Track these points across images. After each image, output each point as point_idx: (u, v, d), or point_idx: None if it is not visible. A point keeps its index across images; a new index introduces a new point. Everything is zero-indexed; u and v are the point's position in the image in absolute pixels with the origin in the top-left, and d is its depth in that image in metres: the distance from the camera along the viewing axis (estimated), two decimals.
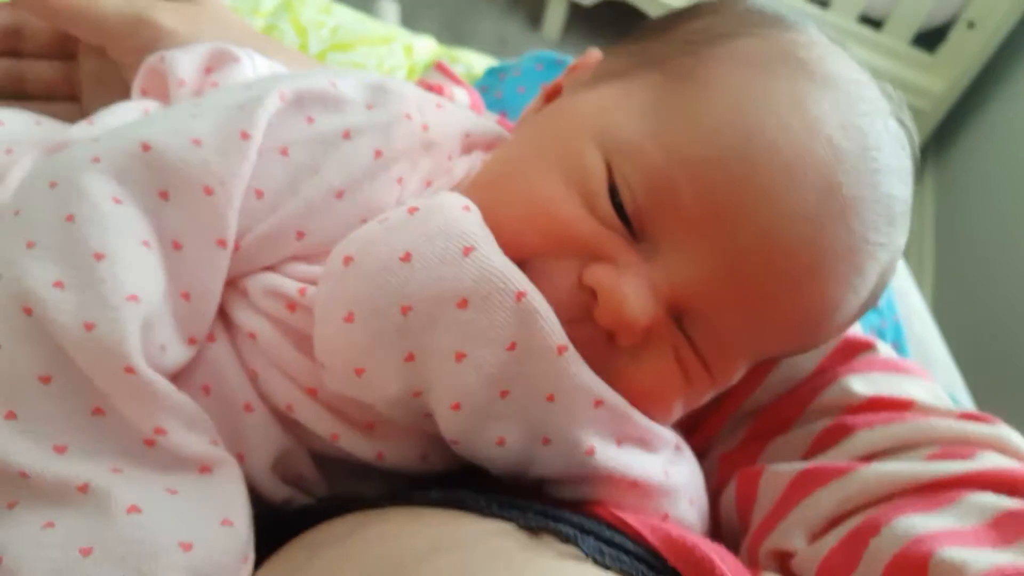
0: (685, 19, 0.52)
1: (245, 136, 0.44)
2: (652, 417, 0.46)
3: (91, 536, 0.36)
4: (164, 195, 0.43)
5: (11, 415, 0.37)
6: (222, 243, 0.43)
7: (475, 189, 0.49)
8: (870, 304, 0.50)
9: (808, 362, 0.58)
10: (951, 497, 0.44)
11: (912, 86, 2.21)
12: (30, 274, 0.39)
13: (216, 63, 0.55)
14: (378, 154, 0.48)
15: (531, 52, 0.99)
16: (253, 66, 0.55)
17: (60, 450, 0.38)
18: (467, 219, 0.42)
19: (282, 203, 0.45)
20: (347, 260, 0.42)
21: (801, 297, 0.45)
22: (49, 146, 0.48)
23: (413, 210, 0.42)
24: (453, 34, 2.43)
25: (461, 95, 0.62)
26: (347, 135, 0.47)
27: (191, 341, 0.44)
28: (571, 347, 0.41)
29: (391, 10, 2.18)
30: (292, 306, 0.45)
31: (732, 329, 0.46)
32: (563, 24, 2.53)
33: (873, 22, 2.22)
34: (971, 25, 2.09)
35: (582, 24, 2.56)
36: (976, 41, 2.10)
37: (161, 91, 0.55)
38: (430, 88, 0.59)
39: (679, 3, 2.25)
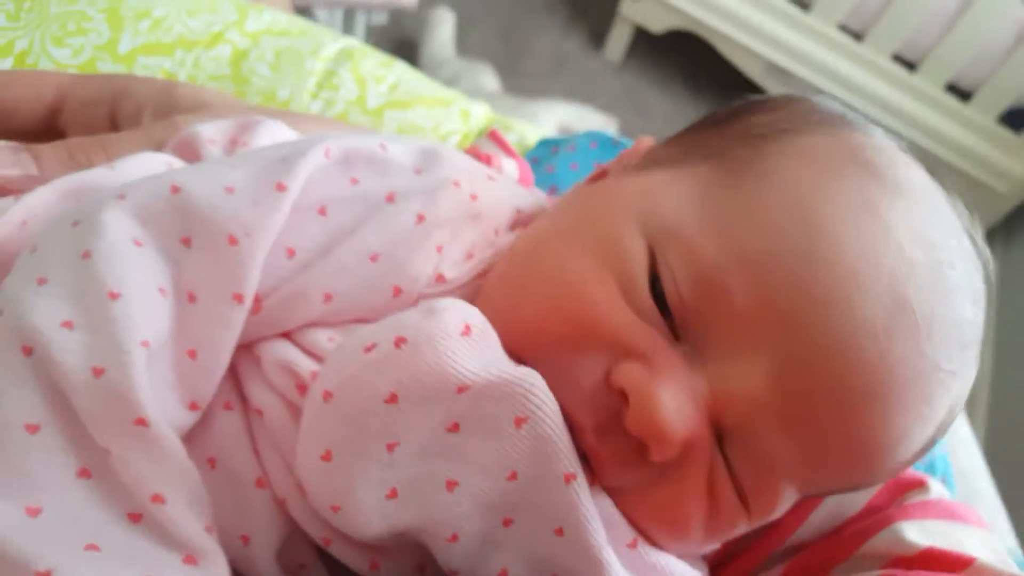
0: (745, 113, 0.49)
1: (281, 188, 0.42)
2: (660, 543, 0.42)
3: None
4: (187, 242, 0.40)
5: None
6: (239, 298, 0.40)
7: (502, 263, 0.47)
8: (936, 439, 0.45)
9: (856, 500, 0.54)
10: None
11: (992, 165, 2.10)
12: (36, 311, 0.36)
13: (242, 132, 0.51)
14: (420, 219, 0.45)
15: (588, 131, 0.93)
16: (281, 131, 0.52)
17: (33, 512, 0.34)
18: (461, 352, 0.38)
19: (313, 263, 0.43)
20: (326, 396, 0.38)
21: (861, 424, 0.40)
22: (66, 188, 0.44)
23: (400, 342, 0.38)
24: (508, 48, 2.30)
25: (510, 166, 0.60)
26: (391, 198, 0.45)
27: (192, 406, 0.40)
28: (580, 475, 0.39)
29: (447, 19, 2.06)
30: (302, 387, 0.41)
31: (778, 455, 0.41)
32: (626, 48, 2.40)
33: (962, 93, 2.09)
34: None
35: (645, 49, 2.42)
36: None
37: (188, 158, 0.50)
38: (479, 157, 0.57)
39: (750, 41, 2.14)
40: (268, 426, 0.42)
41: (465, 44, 2.19)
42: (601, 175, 0.53)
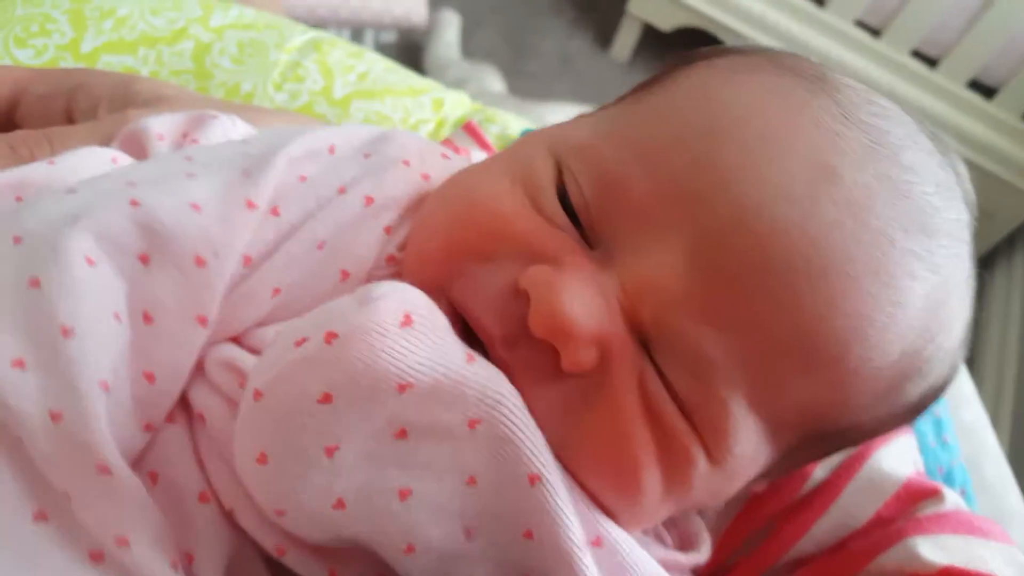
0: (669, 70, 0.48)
1: (251, 206, 0.40)
2: (621, 498, 0.38)
3: None
4: (145, 259, 0.38)
5: None
6: (202, 320, 0.39)
7: (428, 200, 0.46)
8: (926, 358, 0.40)
9: (863, 509, 0.50)
10: None
11: (1016, 163, 2.03)
12: None
13: (193, 127, 0.50)
14: (368, 200, 0.44)
15: None
16: (234, 127, 0.51)
17: None
18: (399, 348, 0.35)
19: (262, 263, 0.41)
20: (257, 394, 0.36)
21: (796, 302, 0.35)
22: (2, 184, 0.42)
23: (331, 337, 0.35)
24: (514, 48, 2.28)
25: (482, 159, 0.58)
26: (342, 190, 0.44)
27: (147, 427, 0.38)
28: (545, 474, 0.36)
29: (452, 22, 2.04)
30: (244, 383, 0.39)
31: (708, 351, 0.37)
32: (634, 46, 2.36)
33: (985, 89, 2.03)
34: None
35: (653, 48, 2.38)
36: None
37: (135, 153, 0.49)
38: (454, 151, 0.56)
39: (764, 38, 2.10)
40: (211, 431, 0.40)
41: (470, 46, 2.17)
42: None
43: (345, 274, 0.43)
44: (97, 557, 0.35)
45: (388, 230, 0.45)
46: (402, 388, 0.35)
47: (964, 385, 1.02)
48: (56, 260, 0.36)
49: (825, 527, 0.50)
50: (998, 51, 1.92)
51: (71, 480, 0.34)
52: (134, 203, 0.38)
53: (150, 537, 0.36)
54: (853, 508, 0.50)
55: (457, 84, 1.98)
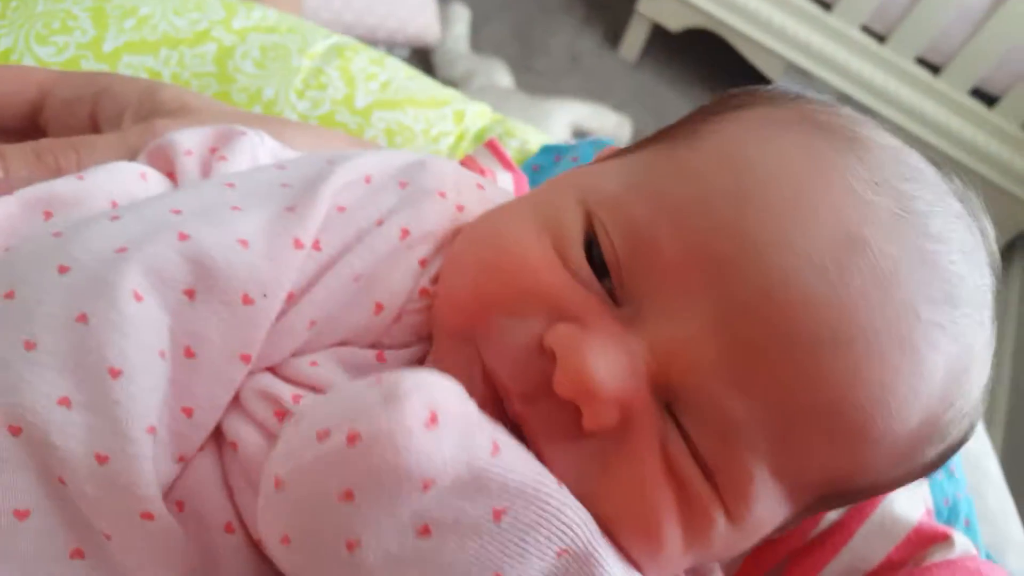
0: (708, 106, 0.47)
1: (298, 245, 0.40)
2: (644, 553, 0.38)
3: None
4: (191, 294, 0.37)
5: None
6: (246, 359, 0.38)
7: (458, 239, 0.45)
8: (946, 422, 0.41)
9: (874, 552, 0.50)
10: None
11: (1017, 172, 2.04)
12: (28, 384, 0.33)
13: (221, 143, 0.49)
14: (404, 233, 0.43)
15: (594, 138, 0.93)
16: (262, 143, 0.51)
17: None
18: (425, 448, 0.33)
19: (301, 297, 0.41)
20: (277, 483, 0.34)
21: (821, 377, 0.35)
22: (31, 198, 0.41)
23: (354, 438, 0.33)
24: (523, 45, 2.28)
25: (506, 180, 0.59)
26: (380, 222, 0.43)
27: (180, 459, 0.38)
28: (589, 550, 0.35)
29: (462, 16, 2.04)
30: (280, 413, 0.39)
31: (734, 417, 0.36)
32: (643, 46, 2.36)
33: (987, 97, 2.04)
34: None
35: (662, 48, 2.38)
36: None
37: (163, 167, 0.48)
38: (475, 170, 0.55)
39: (770, 41, 2.10)
40: (243, 460, 0.39)
41: (479, 41, 2.17)
42: None
43: (379, 307, 0.43)
44: None
45: (423, 263, 0.44)
46: (426, 486, 0.33)
47: None
48: (105, 295, 0.35)
49: (836, 570, 0.50)
50: (1000, 60, 1.93)
51: (114, 522, 0.34)
52: (183, 237, 0.38)
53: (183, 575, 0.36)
54: (864, 551, 0.50)
55: (465, 77, 1.98)
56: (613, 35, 2.40)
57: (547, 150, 0.87)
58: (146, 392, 0.35)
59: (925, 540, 0.50)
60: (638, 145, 0.47)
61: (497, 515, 0.34)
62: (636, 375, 0.37)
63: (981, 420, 1.02)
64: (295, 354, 0.42)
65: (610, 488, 0.38)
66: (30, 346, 0.34)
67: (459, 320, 0.41)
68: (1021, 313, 2.06)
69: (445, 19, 2.04)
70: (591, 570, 0.36)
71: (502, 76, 2.01)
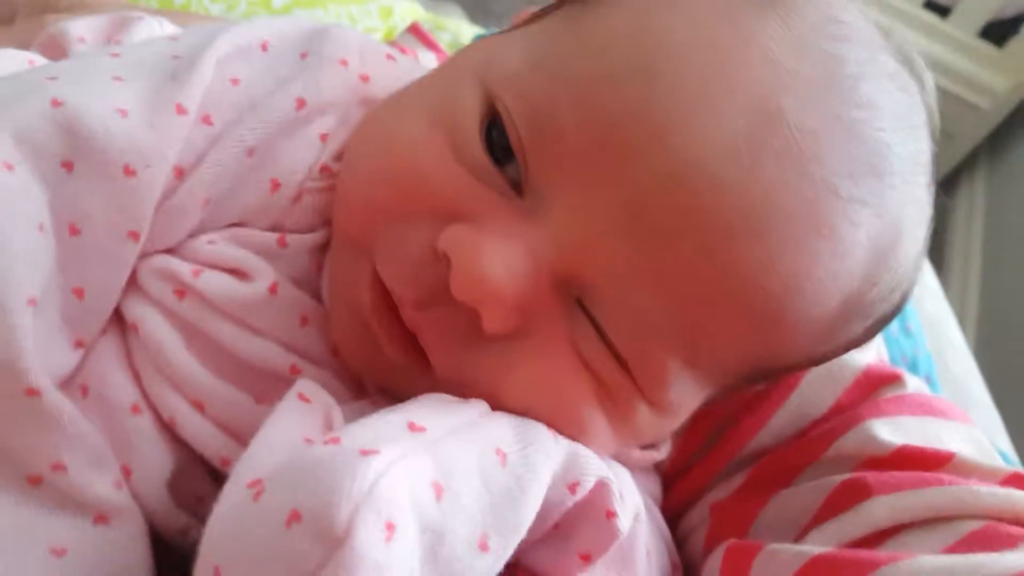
0: None
1: (181, 111, 0.38)
2: (572, 436, 0.37)
3: None
4: (68, 166, 0.35)
5: None
6: (134, 235, 0.37)
7: (351, 139, 0.43)
8: (868, 301, 0.40)
9: (822, 398, 0.49)
10: None
11: (974, 81, 2.04)
12: None
13: (117, 30, 0.48)
14: (300, 104, 0.41)
15: None
16: (161, 29, 0.49)
17: None
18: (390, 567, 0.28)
19: (191, 172, 0.39)
20: (215, 572, 0.29)
21: (733, 262, 0.34)
22: None
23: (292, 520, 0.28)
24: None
25: (429, 60, 0.56)
26: (272, 92, 0.41)
27: (78, 344, 0.37)
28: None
29: None
30: (181, 292, 0.39)
31: (645, 310, 0.35)
32: None
33: (940, 8, 2.05)
34: None
35: None
36: None
37: (55, 57, 0.46)
38: (400, 51, 0.52)
39: None
40: (146, 341, 0.39)
41: None
42: None
43: (276, 184, 0.41)
44: (35, 480, 0.34)
45: (324, 138, 0.42)
46: None
47: (927, 278, 1.01)
48: None
49: (784, 418, 0.50)
50: None
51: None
52: (56, 103, 0.36)
53: (86, 458, 0.35)
54: (812, 397, 0.49)
55: None
56: None
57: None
58: (24, 262, 0.34)
59: (875, 381, 0.49)
60: (549, 8, 0.44)
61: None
62: (538, 273, 0.35)
63: (941, 288, 1.02)
64: (191, 235, 0.41)
65: (522, 387, 0.37)
66: None
67: (352, 228, 0.40)
68: (987, 224, 2.08)
69: None
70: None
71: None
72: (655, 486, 0.52)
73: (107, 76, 0.38)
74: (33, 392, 0.33)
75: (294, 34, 0.44)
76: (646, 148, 0.34)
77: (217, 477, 0.40)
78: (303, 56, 0.43)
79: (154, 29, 0.49)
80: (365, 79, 0.44)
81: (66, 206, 0.36)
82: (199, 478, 0.41)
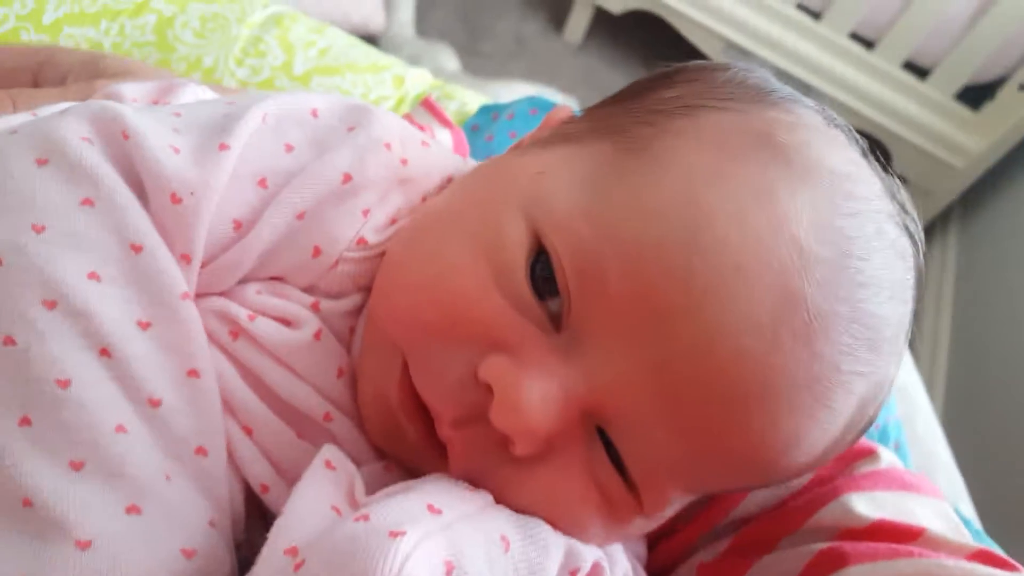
0: (658, 86, 0.46)
1: (223, 147, 0.41)
2: (563, 531, 0.41)
3: None
4: (140, 188, 0.40)
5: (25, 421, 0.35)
6: (185, 259, 0.40)
7: (394, 242, 0.46)
8: (847, 441, 0.44)
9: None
10: None
11: (949, 142, 2.10)
12: (55, 263, 0.36)
13: (164, 94, 0.51)
14: (347, 178, 0.44)
15: (529, 96, 0.92)
16: (204, 94, 0.52)
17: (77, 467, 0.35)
18: None
19: (251, 228, 0.42)
20: None
21: (746, 427, 0.38)
22: None
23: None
24: (469, 30, 2.29)
25: (444, 136, 0.60)
26: (322, 158, 0.44)
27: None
28: None
29: (405, 2, 2.05)
30: (236, 332, 0.43)
31: (662, 451, 0.39)
32: (586, 29, 2.39)
33: (919, 70, 2.10)
34: (1023, 87, 1.96)
35: (606, 30, 2.41)
36: None
37: None
38: (418, 128, 0.55)
39: (709, 21, 2.14)
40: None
41: (426, 26, 2.18)
42: (517, 147, 0.51)
43: (318, 250, 0.44)
44: (202, 451, 0.39)
45: (365, 213, 0.45)
46: None
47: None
48: (101, 183, 0.38)
49: (763, 493, 0.53)
50: (930, 33, 1.98)
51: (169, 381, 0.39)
52: (124, 135, 0.40)
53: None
54: None
55: (412, 62, 1.98)
56: (557, 19, 2.43)
57: (485, 109, 0.88)
58: (172, 264, 0.39)
59: (852, 455, 0.53)
60: (591, 121, 0.47)
61: None
62: (569, 407, 0.38)
63: (915, 369, 1.06)
64: (240, 282, 0.45)
65: (534, 497, 0.40)
66: (38, 229, 0.37)
67: (391, 329, 0.42)
68: (957, 282, 2.14)
69: (389, 6, 2.04)
70: None
71: (448, 60, 2.02)
72: (640, 547, 0.55)
73: (167, 127, 0.42)
74: (194, 373, 0.39)
75: (340, 107, 0.48)
76: (682, 313, 0.37)
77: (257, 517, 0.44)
78: (350, 130, 0.46)
79: (199, 94, 0.52)
80: (404, 163, 0.47)
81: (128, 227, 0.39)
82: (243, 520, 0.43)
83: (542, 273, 0.40)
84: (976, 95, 2.07)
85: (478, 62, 2.22)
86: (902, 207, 0.44)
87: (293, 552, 0.34)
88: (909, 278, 0.43)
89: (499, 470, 0.40)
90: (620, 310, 0.38)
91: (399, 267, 0.44)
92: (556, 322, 0.39)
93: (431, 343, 0.41)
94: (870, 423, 0.45)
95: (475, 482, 0.41)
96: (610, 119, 0.45)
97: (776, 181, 0.39)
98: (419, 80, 0.90)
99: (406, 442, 0.43)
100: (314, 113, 0.46)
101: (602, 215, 0.39)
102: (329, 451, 0.41)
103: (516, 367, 0.38)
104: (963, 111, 2.08)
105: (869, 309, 0.39)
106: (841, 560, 0.45)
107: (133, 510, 0.35)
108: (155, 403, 0.37)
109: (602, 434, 0.40)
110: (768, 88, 0.45)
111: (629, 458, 0.40)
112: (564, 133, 0.47)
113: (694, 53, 2.24)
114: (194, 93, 0.52)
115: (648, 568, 0.54)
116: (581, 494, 0.41)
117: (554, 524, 0.41)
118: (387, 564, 0.32)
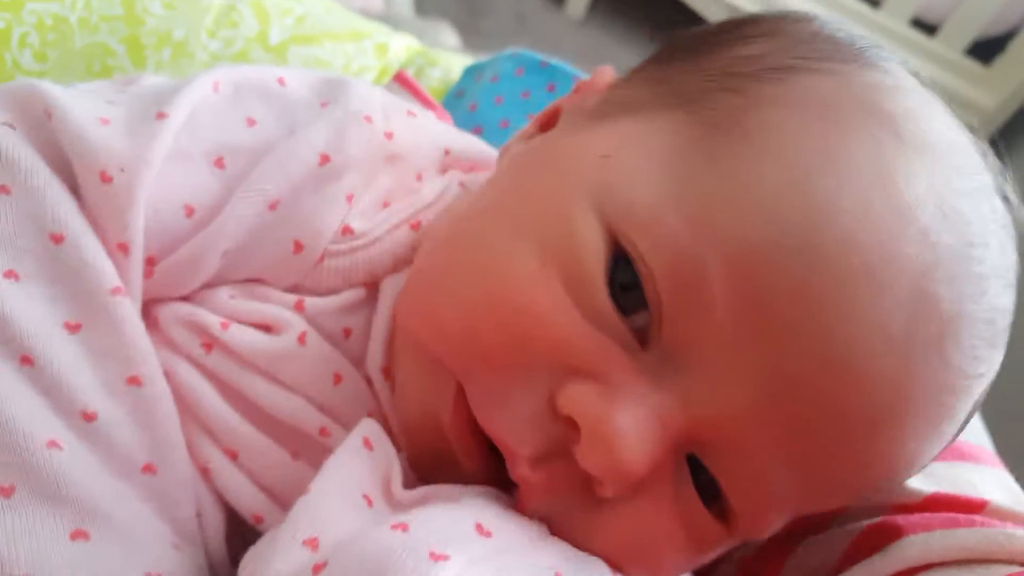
0: (730, 41, 0.39)
1: (161, 116, 0.37)
2: (640, 571, 0.36)
3: None
4: (69, 172, 0.36)
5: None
6: (123, 248, 0.35)
7: (424, 255, 0.40)
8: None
9: None
10: None
11: (962, 99, 2.04)
12: None
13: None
14: (324, 159, 0.39)
15: (509, 51, 0.83)
16: None
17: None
18: None
19: (210, 220, 0.38)
20: None
21: (873, 449, 0.33)
22: None
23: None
24: (468, 8, 2.27)
25: (427, 118, 0.52)
26: (293, 134, 0.40)
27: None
28: None
29: None
30: (209, 345, 0.38)
31: (771, 479, 0.34)
32: (588, 4, 2.36)
33: (927, 27, 2.05)
34: None
35: (609, 3, 2.38)
36: None
37: None
38: None
39: None
40: (177, 388, 0.38)
41: (424, 5, 2.15)
42: (552, 118, 0.44)
43: (299, 246, 0.40)
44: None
45: (349, 198, 0.41)
46: None
47: None
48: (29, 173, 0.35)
49: None
50: None
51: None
52: (47, 113, 0.36)
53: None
54: None
55: None
56: None
57: (468, 72, 0.84)
58: (101, 255, 0.36)
59: None
60: (650, 84, 0.40)
61: None
62: (665, 440, 0.34)
63: None
64: (207, 286, 0.40)
65: (619, 540, 0.36)
66: None
67: (442, 351, 0.37)
68: None
69: None
70: None
71: (449, 38, 2.00)
72: None
73: (102, 100, 0.38)
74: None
75: (311, 78, 0.43)
76: (802, 327, 0.31)
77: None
78: (324, 104, 0.42)
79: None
80: (389, 136, 0.42)
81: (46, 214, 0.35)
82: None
83: (622, 281, 0.34)
84: (987, 49, 2.02)
85: (479, 40, 2.18)
86: (999, 173, 0.39)
87: (313, 545, 0.30)
88: (1015, 255, 0.38)
89: (577, 511, 0.36)
90: (726, 327, 0.32)
91: (442, 277, 0.38)
92: (642, 339, 0.34)
93: (495, 369, 0.35)
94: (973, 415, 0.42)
95: (546, 521, 0.36)
96: (678, 82, 0.39)
97: (895, 162, 0.33)
98: (404, 47, 0.87)
99: (456, 473, 0.38)
100: (280, 81, 0.41)
101: (695, 209, 0.33)
102: (368, 427, 0.36)
103: (604, 397, 0.33)
104: (974, 66, 2.03)
105: (992, 303, 0.35)
106: (895, 532, 0.41)
107: (79, 535, 0.32)
108: (89, 416, 0.33)
109: (690, 458, 0.36)
110: (856, 42, 0.39)
111: (729, 487, 0.35)
112: (620, 101, 0.41)
113: (701, 23, 2.20)
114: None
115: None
116: (668, 533, 0.36)
117: (632, 565, 0.36)
118: None
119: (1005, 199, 0.38)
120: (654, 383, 0.33)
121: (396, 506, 0.35)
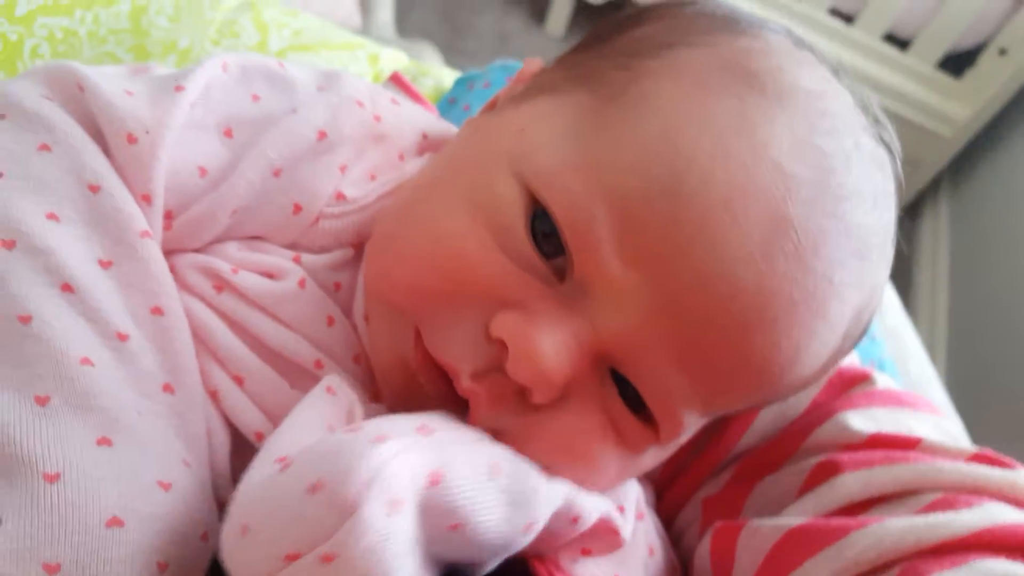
0: (627, 27, 0.46)
1: (179, 88, 0.42)
2: (579, 479, 0.42)
3: None
4: (100, 137, 0.41)
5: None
6: (146, 199, 0.41)
7: (378, 225, 0.47)
8: (846, 349, 0.46)
9: (799, 400, 0.54)
10: (955, 560, 0.39)
11: (934, 111, 2.10)
12: (15, 204, 0.37)
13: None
14: (322, 135, 0.45)
15: (499, 63, 0.92)
16: None
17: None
18: (392, 543, 0.33)
19: (221, 182, 0.44)
20: (244, 529, 0.33)
21: (750, 349, 0.39)
22: None
23: (328, 559, 0.31)
24: (450, 27, 2.30)
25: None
26: (294, 112, 0.46)
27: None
28: None
29: (384, 2, 2.06)
30: (220, 286, 0.44)
31: (671, 384, 0.40)
32: (568, 21, 2.40)
33: (900, 41, 2.11)
34: (1003, 52, 1.97)
35: (586, 21, 2.43)
36: (1006, 69, 1.97)
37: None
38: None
39: None
40: (191, 323, 0.42)
41: (407, 26, 2.19)
42: (492, 105, 0.51)
43: (298, 207, 0.46)
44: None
45: (343, 168, 0.47)
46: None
47: (887, 295, 1.05)
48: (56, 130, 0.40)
49: (766, 420, 0.54)
50: (909, 3, 1.99)
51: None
52: (80, 87, 0.41)
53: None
54: (791, 399, 0.54)
55: None
56: (538, 12, 2.44)
57: (461, 81, 0.89)
58: (131, 203, 0.40)
59: (848, 381, 0.54)
60: (565, 69, 0.47)
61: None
62: (581, 355, 0.40)
63: (904, 313, 1.05)
64: (217, 240, 0.45)
65: (557, 441, 0.42)
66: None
67: (396, 300, 0.43)
68: (951, 245, 2.14)
69: (368, 7, 2.06)
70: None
71: (431, 57, 2.03)
72: (649, 494, 0.57)
73: (124, 78, 0.44)
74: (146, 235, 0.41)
75: (308, 68, 0.49)
76: (676, 257, 0.38)
77: None
78: (321, 88, 0.48)
79: None
80: (377, 119, 0.49)
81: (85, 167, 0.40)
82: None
83: (544, 229, 0.40)
84: (958, 63, 2.08)
85: (462, 60, 2.22)
86: (876, 119, 0.45)
87: (284, 462, 0.34)
88: (890, 186, 0.44)
89: (519, 420, 0.41)
90: (616, 263, 0.38)
91: (393, 241, 0.44)
92: (561, 276, 0.40)
93: (440, 309, 0.41)
94: (866, 328, 0.47)
95: (496, 435, 0.41)
96: (584, 66, 0.45)
97: (753, 110, 0.39)
98: (394, 59, 0.91)
99: (425, 401, 0.43)
100: (281, 65, 0.47)
101: (585, 168, 0.39)
102: (331, 379, 0.41)
103: (526, 320, 0.39)
104: (946, 79, 2.09)
105: (855, 220, 0.40)
106: (835, 468, 0.47)
107: (104, 442, 0.35)
108: (123, 337, 0.38)
109: (614, 374, 0.41)
110: (735, 17, 0.45)
111: (644, 393, 0.41)
112: (539, 85, 0.47)
113: None
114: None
115: (658, 515, 0.55)
116: (599, 432, 0.42)
117: (573, 466, 0.42)
118: (365, 464, 0.32)
119: (875, 134, 0.43)
120: (569, 309, 0.40)
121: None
